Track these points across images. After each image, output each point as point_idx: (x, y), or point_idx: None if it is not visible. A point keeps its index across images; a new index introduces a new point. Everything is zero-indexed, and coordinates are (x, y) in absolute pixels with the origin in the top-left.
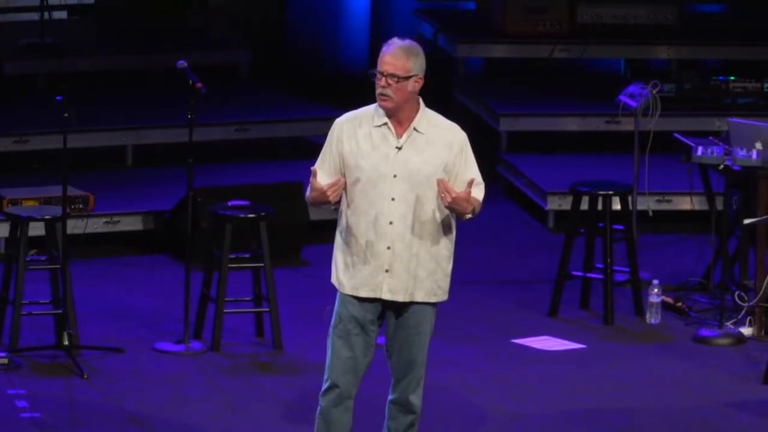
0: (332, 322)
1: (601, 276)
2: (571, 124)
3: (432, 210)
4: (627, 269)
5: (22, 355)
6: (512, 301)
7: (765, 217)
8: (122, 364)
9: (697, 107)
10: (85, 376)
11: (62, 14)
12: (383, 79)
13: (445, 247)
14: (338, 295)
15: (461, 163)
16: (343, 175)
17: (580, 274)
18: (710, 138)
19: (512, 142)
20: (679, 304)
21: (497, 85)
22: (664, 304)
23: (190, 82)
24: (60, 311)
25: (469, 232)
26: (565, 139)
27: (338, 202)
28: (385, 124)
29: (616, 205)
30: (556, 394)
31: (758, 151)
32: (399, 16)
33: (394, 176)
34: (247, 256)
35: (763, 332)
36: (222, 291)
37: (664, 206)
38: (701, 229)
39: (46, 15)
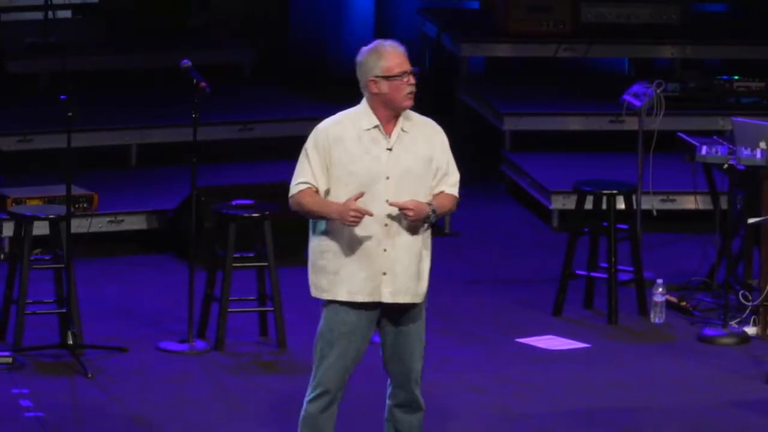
0: (322, 329)
1: (605, 275)
2: (575, 123)
3: None
4: (631, 268)
5: (26, 354)
6: (516, 301)
7: None
8: (126, 364)
9: (701, 106)
10: (89, 376)
11: (66, 13)
12: (410, 77)
13: (429, 245)
14: (326, 304)
15: (444, 160)
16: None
17: (584, 273)
18: (714, 137)
19: (516, 142)
20: (684, 303)
21: (501, 85)
22: (668, 303)
23: (194, 81)
24: (64, 310)
25: (473, 231)
26: (569, 139)
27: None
28: (376, 126)
29: (621, 205)
30: (560, 394)
31: (762, 151)
32: (402, 15)
33: (387, 178)
34: (251, 255)
35: (767, 331)
36: (226, 290)
37: (668, 205)
38: (705, 229)
39: (49, 14)
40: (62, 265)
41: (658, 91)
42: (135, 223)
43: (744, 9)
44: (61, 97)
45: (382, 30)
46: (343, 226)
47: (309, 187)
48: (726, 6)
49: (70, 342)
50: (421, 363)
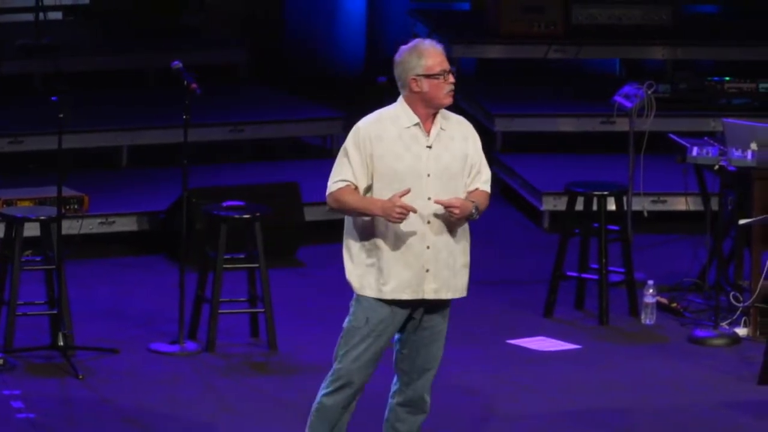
0: (353, 324)
1: (596, 276)
2: (566, 124)
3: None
4: (622, 270)
5: (18, 356)
6: (507, 302)
7: (760, 217)
8: (117, 365)
9: (692, 108)
10: (80, 377)
11: (57, 15)
12: (450, 75)
13: (468, 241)
14: (361, 299)
15: (477, 158)
16: (371, 179)
17: (575, 274)
18: (705, 138)
19: (507, 143)
20: (674, 304)
21: (492, 86)
22: (659, 304)
23: (185, 82)
24: (55, 312)
25: None
26: (561, 140)
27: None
28: (417, 124)
29: (611, 206)
30: (552, 395)
31: (753, 152)
32: (394, 16)
33: (428, 175)
34: (242, 256)
35: (758, 333)
36: (217, 291)
37: (659, 207)
38: (696, 230)
39: (41, 16)
40: (53, 267)
41: (649, 92)
42: (126, 224)
43: (735, 10)
44: (53, 98)
45: (374, 32)
46: (386, 223)
47: (348, 185)
48: (717, 7)
49: (61, 343)
50: (439, 362)
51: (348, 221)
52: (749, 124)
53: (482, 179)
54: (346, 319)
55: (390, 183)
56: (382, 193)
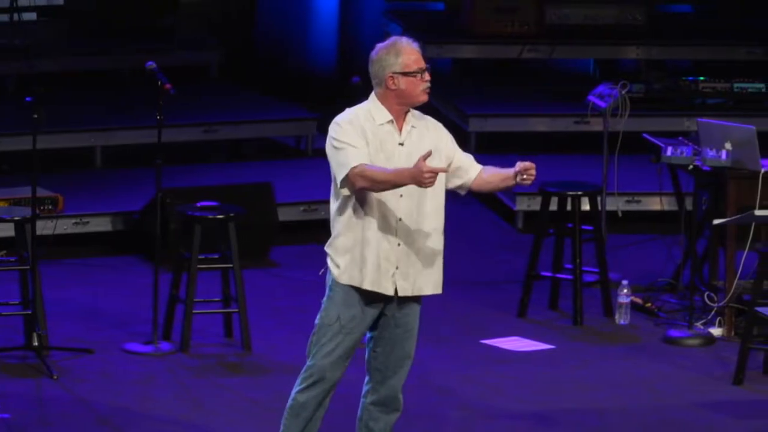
0: (325, 321)
1: (570, 276)
2: (540, 124)
3: (434, 203)
4: (596, 270)
5: None
6: (481, 302)
7: (734, 217)
8: (91, 365)
9: (666, 107)
10: (55, 377)
11: (32, 15)
12: (426, 73)
13: (441, 240)
14: (334, 294)
15: (453, 148)
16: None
17: (549, 274)
18: (680, 138)
19: (481, 143)
20: (649, 304)
21: (466, 86)
22: (633, 304)
23: (159, 83)
24: (29, 312)
25: None
26: (535, 140)
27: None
28: (390, 121)
29: (585, 206)
30: (526, 395)
31: (727, 152)
32: (367, 16)
33: None
34: (216, 256)
35: (732, 333)
36: (191, 292)
37: (634, 207)
38: (670, 230)
39: (15, 16)
40: (27, 267)
41: (623, 92)
42: (100, 224)
43: (709, 10)
44: (27, 99)
45: (346, 31)
46: (362, 220)
47: (363, 163)
48: (691, 7)
49: (36, 344)
50: (411, 361)
51: (334, 214)
52: (723, 124)
53: (474, 163)
54: (318, 316)
55: None
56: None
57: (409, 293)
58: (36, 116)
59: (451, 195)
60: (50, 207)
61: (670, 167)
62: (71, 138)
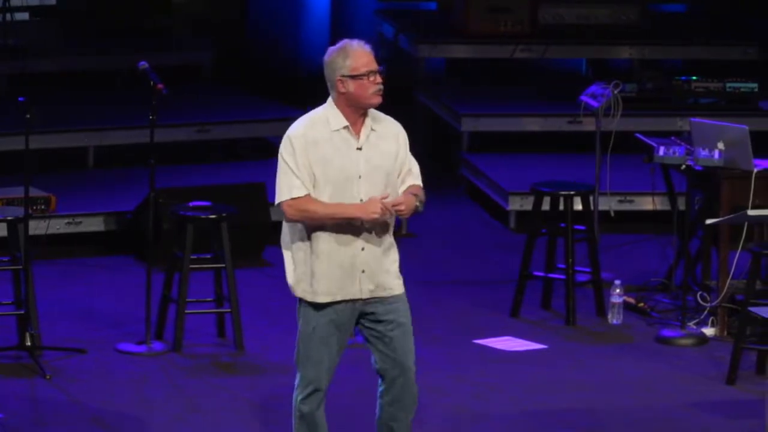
0: (304, 330)
1: (562, 276)
2: (532, 124)
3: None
4: (589, 269)
5: None
6: (474, 302)
7: (727, 217)
8: (85, 365)
9: (659, 107)
10: (48, 377)
11: (24, 15)
12: (376, 76)
13: (392, 238)
14: (301, 306)
15: (404, 154)
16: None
17: (541, 274)
18: (672, 138)
19: (474, 143)
20: (641, 304)
21: (458, 86)
22: (626, 304)
23: (152, 83)
24: (22, 312)
25: (431, 232)
26: (527, 140)
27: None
28: (346, 127)
29: (578, 206)
30: (518, 395)
31: (720, 151)
32: (359, 16)
33: (359, 177)
34: (208, 256)
35: (725, 332)
36: (183, 292)
37: (626, 206)
38: (663, 230)
39: (7, 16)
40: (20, 267)
41: (616, 91)
42: (93, 224)
43: (702, 9)
44: (20, 99)
45: (338, 31)
46: (322, 228)
47: (306, 194)
48: (684, 6)
49: (29, 343)
50: (414, 356)
51: (285, 227)
52: (716, 124)
53: (413, 174)
54: (298, 329)
55: (324, 186)
56: (319, 196)
57: (379, 294)
58: (28, 116)
59: (443, 195)
60: (43, 207)
61: (663, 167)
62: (64, 138)
